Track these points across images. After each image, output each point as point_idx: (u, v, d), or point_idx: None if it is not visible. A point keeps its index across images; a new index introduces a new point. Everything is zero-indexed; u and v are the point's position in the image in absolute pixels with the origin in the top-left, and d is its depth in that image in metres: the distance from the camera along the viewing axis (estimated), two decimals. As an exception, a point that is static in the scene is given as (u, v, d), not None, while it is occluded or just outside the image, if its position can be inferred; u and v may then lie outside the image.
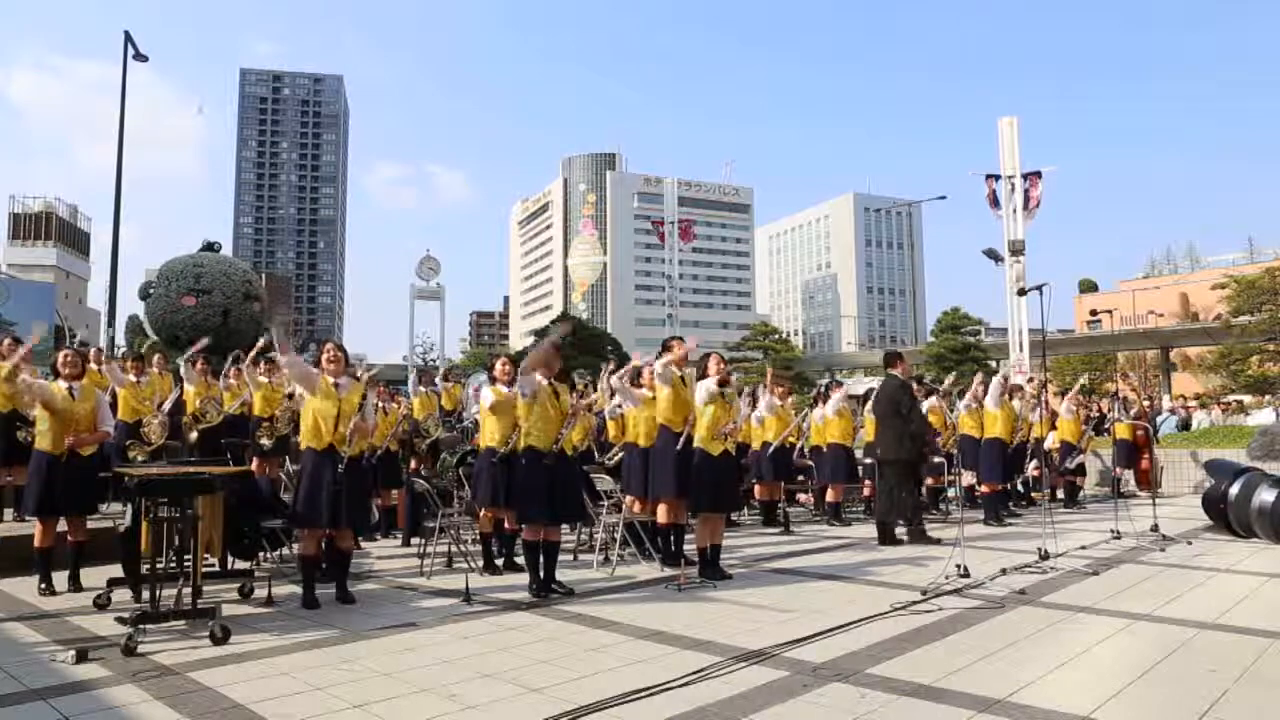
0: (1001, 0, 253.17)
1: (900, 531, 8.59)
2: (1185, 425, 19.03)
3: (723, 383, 6.79)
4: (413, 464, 9.74)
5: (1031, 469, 11.88)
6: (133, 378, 9.22)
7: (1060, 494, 12.41)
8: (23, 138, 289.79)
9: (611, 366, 8.98)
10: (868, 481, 11.33)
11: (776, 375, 11.25)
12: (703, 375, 6.90)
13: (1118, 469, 13.37)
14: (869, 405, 11.61)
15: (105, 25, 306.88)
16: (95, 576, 6.00)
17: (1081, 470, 12.80)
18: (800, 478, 11.12)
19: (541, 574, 6.02)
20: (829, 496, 10.45)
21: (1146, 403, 18.82)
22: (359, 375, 7.02)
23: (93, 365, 9.25)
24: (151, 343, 19.50)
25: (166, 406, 9.25)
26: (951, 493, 11.52)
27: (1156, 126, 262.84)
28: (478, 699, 3.71)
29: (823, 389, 11.29)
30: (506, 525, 7.03)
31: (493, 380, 7.11)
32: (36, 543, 6.09)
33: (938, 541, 8.31)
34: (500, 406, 6.67)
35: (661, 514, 6.95)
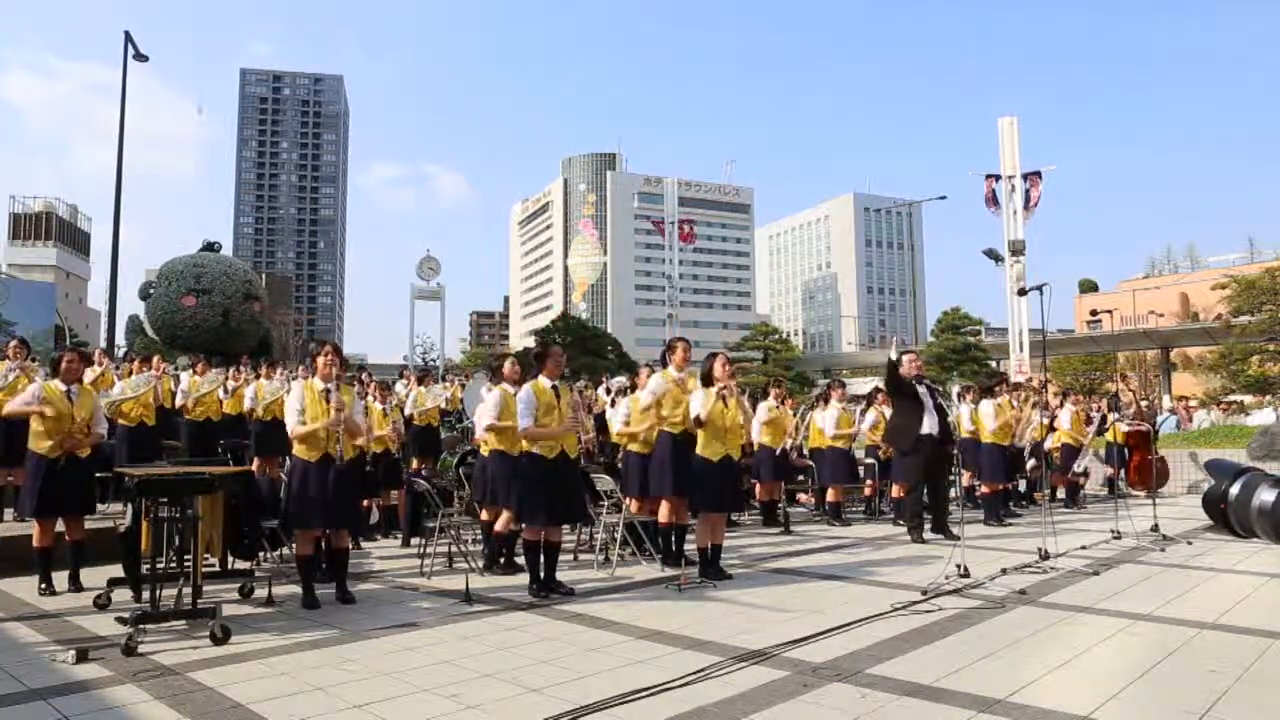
0: (1002, 0, 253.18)
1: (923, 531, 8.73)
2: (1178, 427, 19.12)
3: (709, 380, 6.67)
4: (413, 464, 9.76)
5: (1031, 469, 11.89)
6: (135, 379, 9.26)
7: (1060, 494, 12.42)
8: (22, 138, 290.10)
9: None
10: (868, 482, 11.35)
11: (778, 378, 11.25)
12: (707, 375, 6.80)
13: (1109, 468, 13.39)
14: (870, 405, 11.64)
15: (104, 26, 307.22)
16: (95, 576, 6.01)
17: (1085, 471, 12.81)
18: (800, 478, 11.13)
19: (542, 574, 6.01)
20: (829, 497, 10.45)
21: (1145, 403, 18.84)
22: (366, 384, 7.02)
23: (97, 366, 9.30)
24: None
25: (180, 401, 9.39)
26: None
27: (1157, 126, 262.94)
28: (478, 699, 3.71)
29: (823, 389, 11.27)
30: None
31: (499, 380, 7.11)
32: (36, 543, 6.09)
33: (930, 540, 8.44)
34: (504, 418, 6.68)
35: (663, 514, 6.95)
